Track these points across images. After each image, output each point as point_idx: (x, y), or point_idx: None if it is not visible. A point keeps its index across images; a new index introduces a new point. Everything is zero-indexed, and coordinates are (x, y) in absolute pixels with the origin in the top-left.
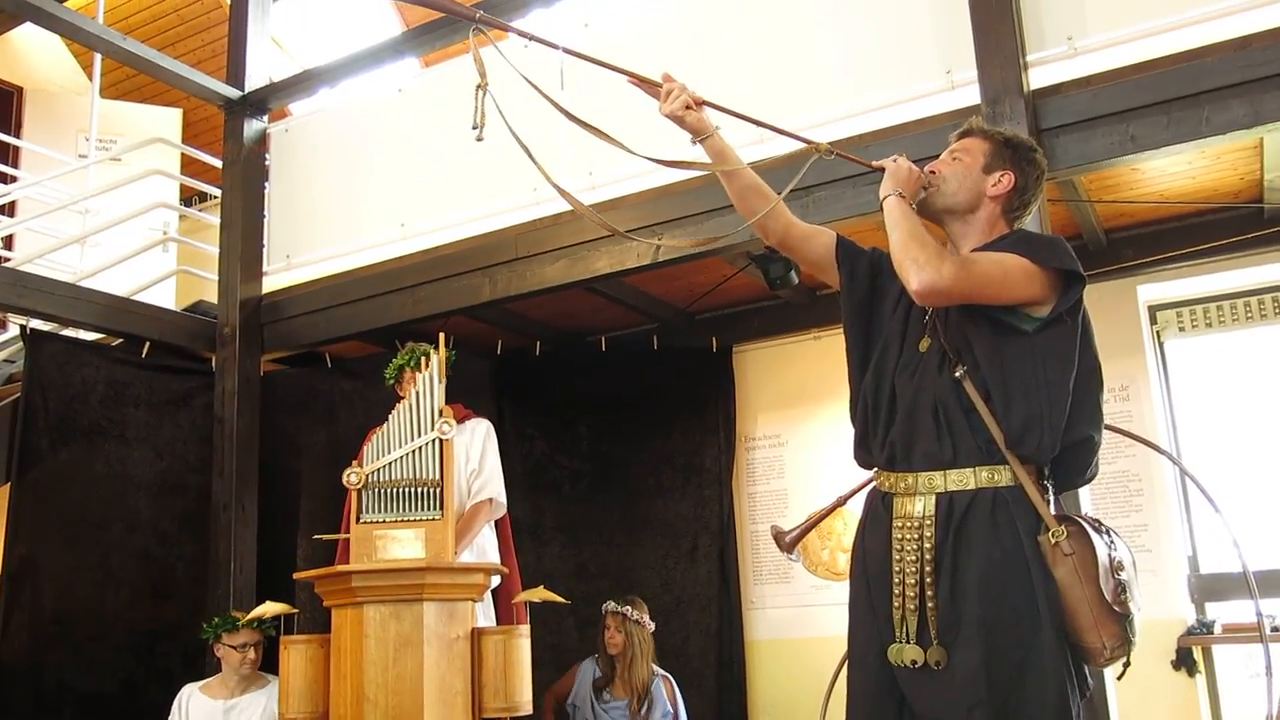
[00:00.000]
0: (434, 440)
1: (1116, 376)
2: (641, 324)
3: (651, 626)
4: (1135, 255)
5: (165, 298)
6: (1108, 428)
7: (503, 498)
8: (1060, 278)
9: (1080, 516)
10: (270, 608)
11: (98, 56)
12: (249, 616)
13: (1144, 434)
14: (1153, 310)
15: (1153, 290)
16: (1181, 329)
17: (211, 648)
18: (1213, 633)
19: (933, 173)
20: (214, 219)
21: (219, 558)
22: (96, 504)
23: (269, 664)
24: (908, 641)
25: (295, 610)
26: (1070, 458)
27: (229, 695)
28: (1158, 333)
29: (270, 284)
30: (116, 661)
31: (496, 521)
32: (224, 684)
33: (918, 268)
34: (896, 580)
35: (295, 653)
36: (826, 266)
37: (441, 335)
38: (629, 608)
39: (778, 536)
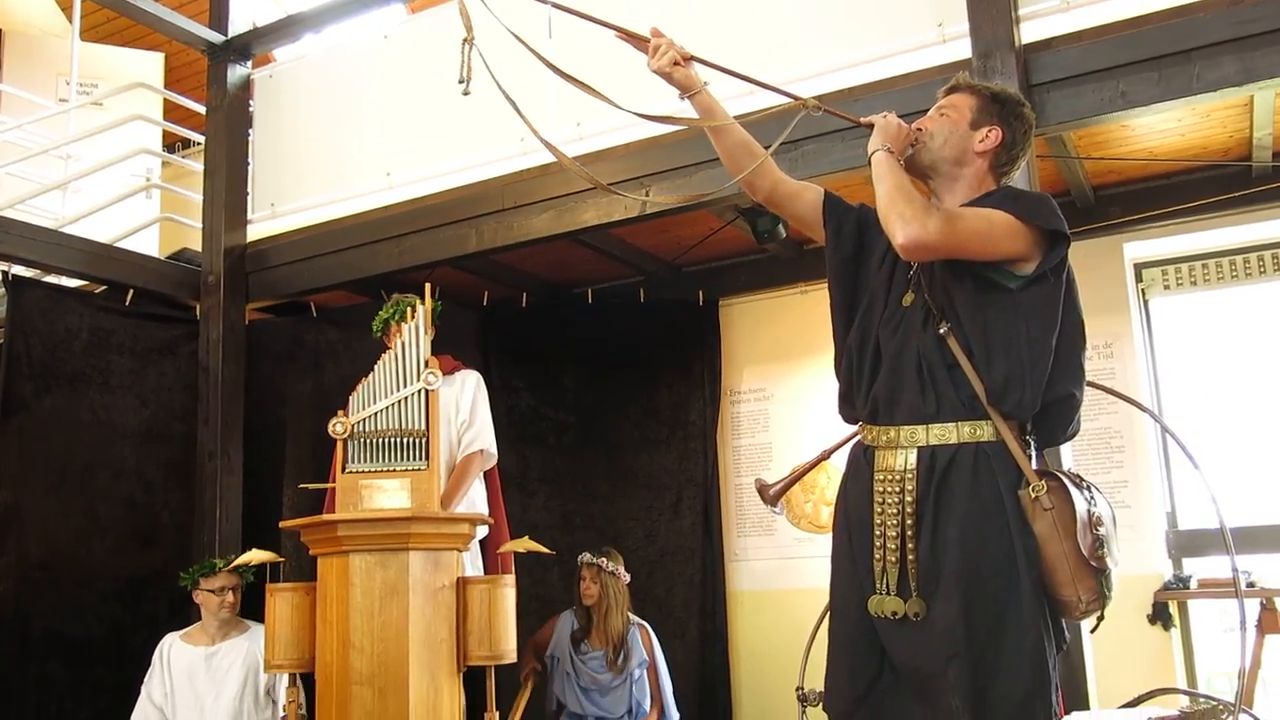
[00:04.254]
0: (420, 391)
1: (1100, 334)
2: (628, 276)
3: (626, 577)
4: (1122, 212)
5: (149, 245)
6: (1090, 385)
7: (494, 449)
8: (1046, 236)
9: (1061, 472)
10: (256, 555)
11: None
12: (235, 563)
13: (1126, 391)
14: (1138, 268)
15: (1139, 248)
16: (1166, 287)
17: (191, 594)
18: (1189, 588)
19: (920, 129)
20: (198, 166)
21: (205, 506)
22: (82, 451)
23: (252, 611)
24: (888, 593)
25: (281, 558)
26: (1052, 414)
27: (210, 642)
28: (1143, 290)
29: (255, 232)
30: (103, 607)
31: (485, 472)
32: (204, 631)
33: (904, 222)
34: (878, 533)
35: (281, 600)
36: (813, 222)
37: (428, 286)
38: (604, 559)
39: (762, 489)
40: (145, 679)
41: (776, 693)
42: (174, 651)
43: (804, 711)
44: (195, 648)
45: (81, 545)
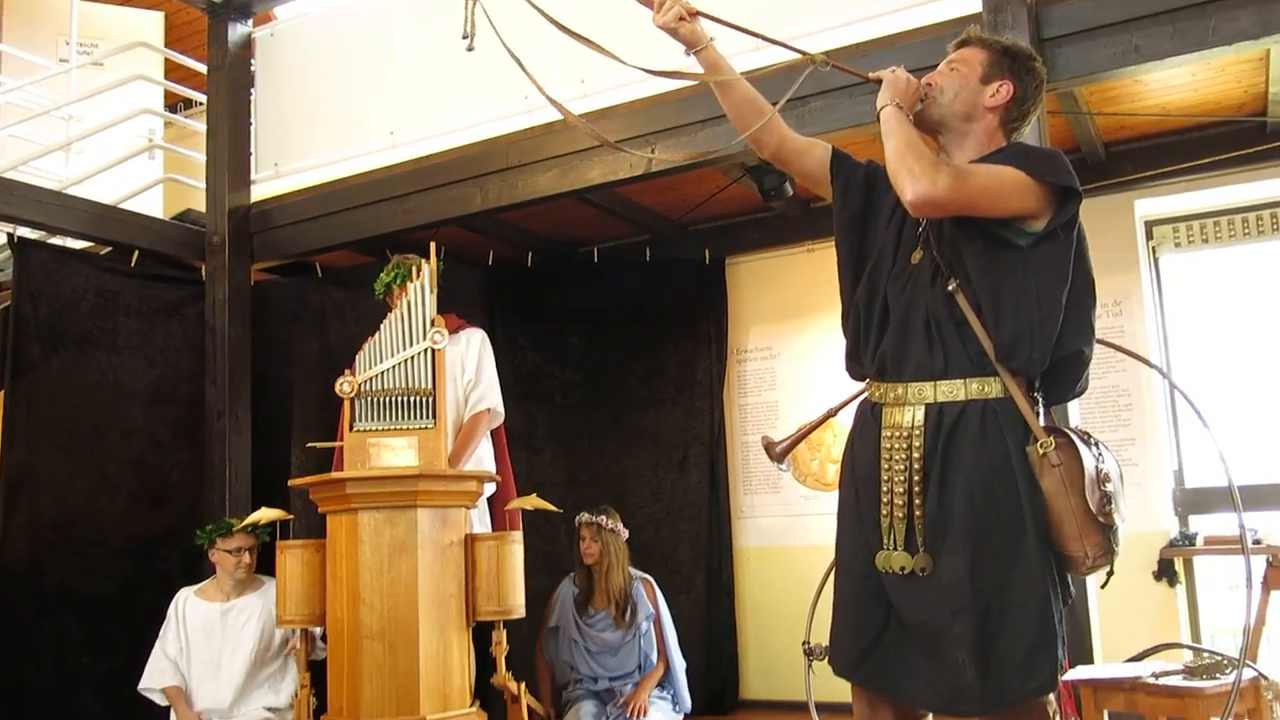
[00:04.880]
0: (426, 350)
1: (1110, 291)
2: (634, 235)
3: (625, 534)
4: (1134, 169)
5: (153, 206)
6: (1099, 342)
7: (500, 407)
8: (1057, 192)
9: (1069, 429)
10: (266, 514)
11: None
12: (245, 522)
13: (1135, 349)
14: (1149, 225)
15: (1150, 205)
16: (1177, 244)
17: (206, 553)
18: (1195, 545)
19: (929, 84)
20: (200, 126)
21: (214, 465)
22: (91, 412)
23: (264, 567)
24: (895, 549)
25: (290, 516)
26: (1060, 371)
27: (225, 598)
28: (1153, 248)
29: (259, 193)
30: (116, 565)
31: (492, 430)
32: (219, 587)
33: (913, 178)
34: (885, 489)
35: (291, 557)
36: (821, 180)
37: (433, 245)
38: (602, 517)
39: (768, 447)
40: (160, 633)
41: (782, 648)
42: (189, 606)
43: (810, 665)
44: (210, 603)
45: (93, 504)
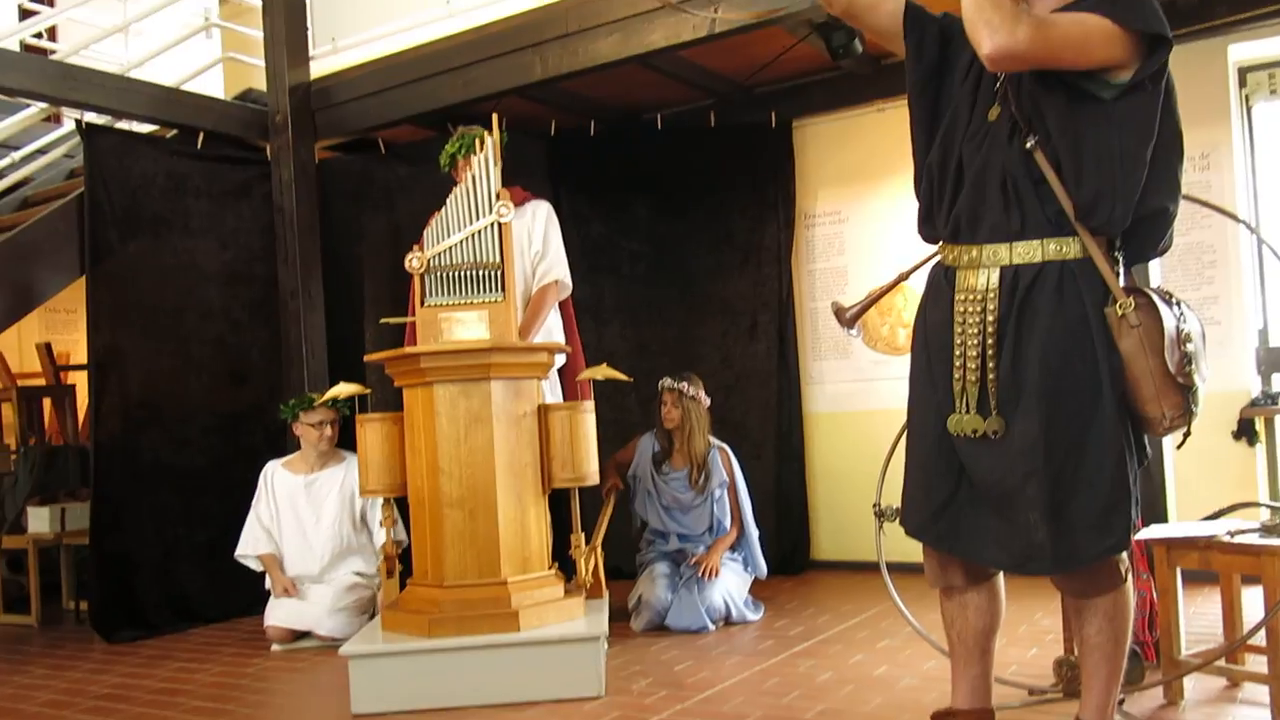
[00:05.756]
0: (493, 223)
1: (1197, 144)
2: (698, 100)
3: (707, 401)
4: (1228, 11)
5: (214, 87)
6: (1185, 198)
7: (568, 279)
8: (1145, 40)
9: (1149, 289)
10: (345, 388)
11: None
12: (324, 397)
13: (1223, 204)
14: (1243, 72)
15: (1245, 50)
16: (1273, 91)
17: (290, 427)
18: (1277, 404)
19: None
20: (256, 2)
21: (290, 343)
22: (169, 294)
23: (344, 442)
24: (967, 412)
25: (368, 391)
26: (1143, 229)
27: (309, 470)
28: (1246, 96)
29: (318, 69)
30: (204, 441)
31: (560, 303)
32: (304, 460)
33: (990, 30)
34: (958, 353)
35: (371, 430)
36: (893, 35)
37: (495, 117)
38: (685, 384)
39: (838, 312)
40: (253, 502)
41: (852, 510)
42: (277, 478)
43: (881, 527)
44: (295, 475)
45: (178, 384)
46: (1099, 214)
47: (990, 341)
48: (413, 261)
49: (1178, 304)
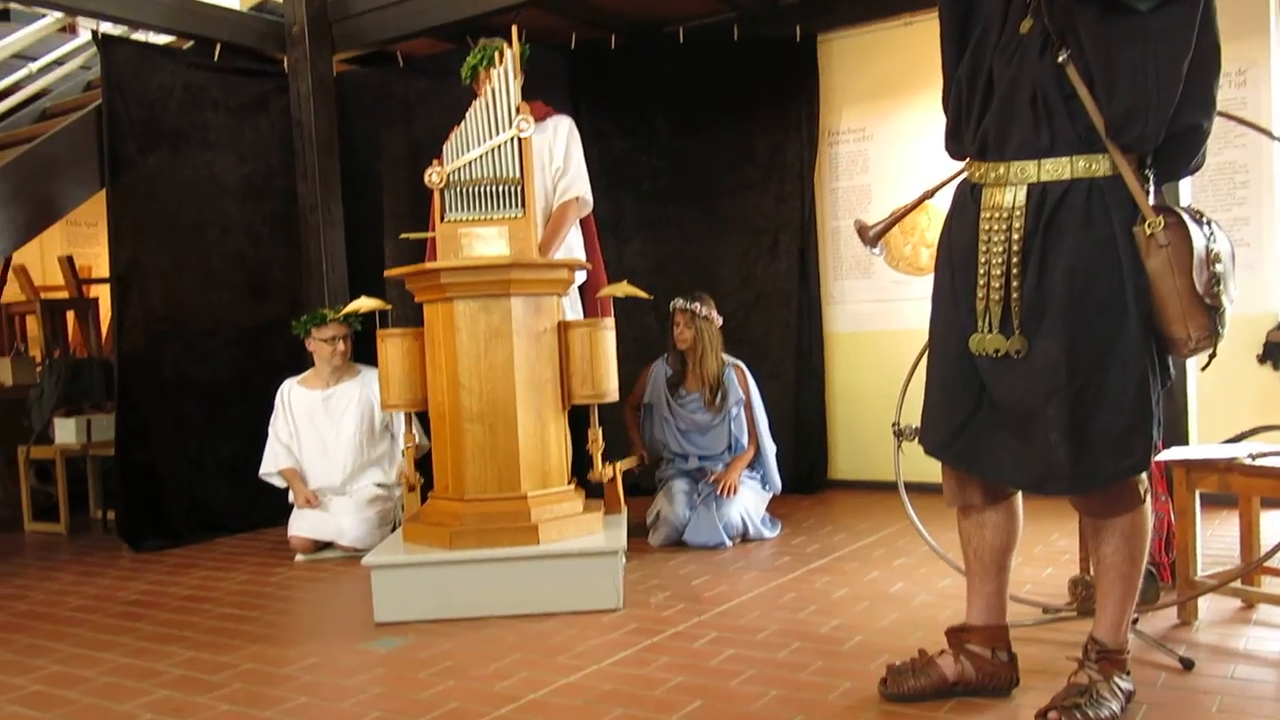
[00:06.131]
0: (512, 138)
1: (1234, 60)
2: (721, 13)
3: (719, 320)
4: None
5: None
6: (1219, 114)
7: (589, 195)
8: None
9: (1180, 208)
10: (365, 303)
11: None
12: (344, 311)
13: (1258, 122)
14: None
15: None
16: None
17: (304, 343)
18: None
19: None
20: None
21: (310, 258)
22: (189, 208)
23: (361, 356)
24: (989, 331)
25: (388, 306)
26: (1176, 147)
27: (324, 386)
28: None
29: None
30: (226, 355)
31: (580, 219)
32: (319, 376)
33: None
34: (982, 271)
35: (392, 345)
36: None
37: (514, 29)
38: (697, 304)
39: (861, 230)
40: (271, 420)
41: (871, 429)
42: (294, 395)
43: (899, 446)
44: (312, 391)
45: (200, 298)
46: (1131, 130)
47: (1015, 260)
48: (432, 176)
49: (1208, 223)
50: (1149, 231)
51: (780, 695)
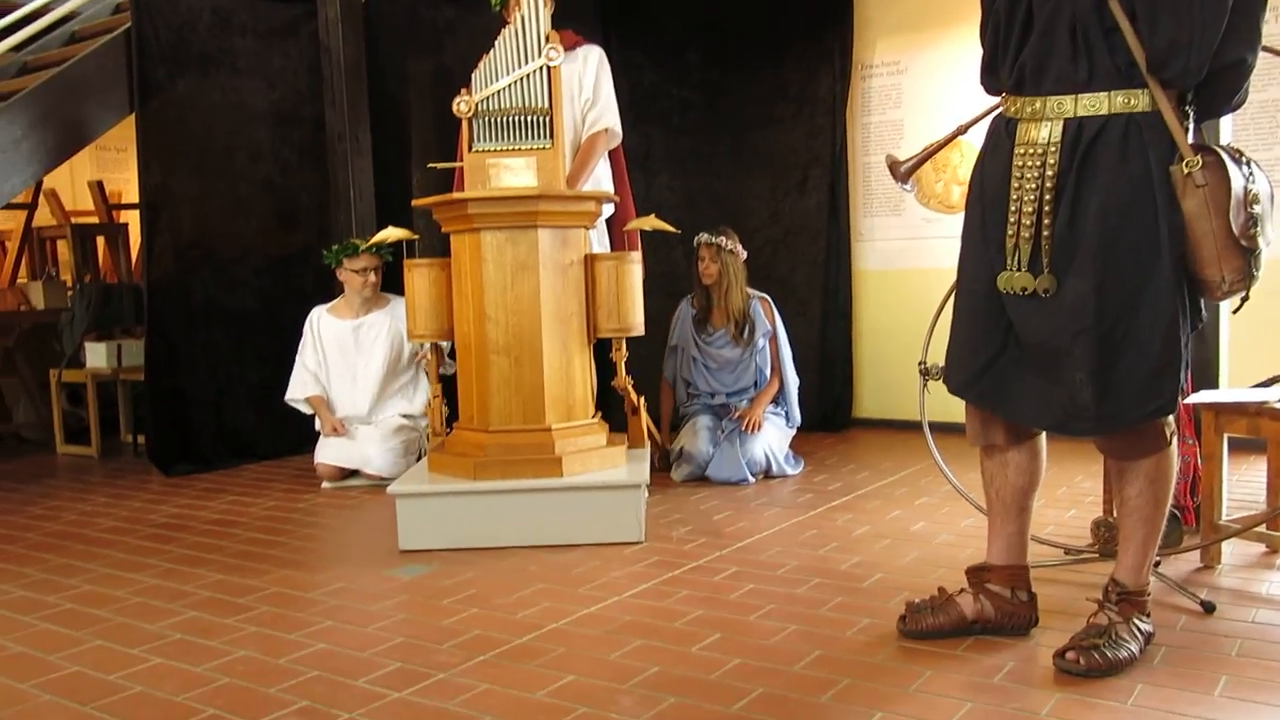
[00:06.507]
0: (542, 67)
1: None
2: None
3: (744, 254)
4: None
5: None
6: (1264, 49)
7: (618, 127)
8: None
9: (1219, 146)
10: (392, 233)
11: None
12: (371, 241)
13: None
14: None
15: None
16: None
17: (334, 272)
18: None
19: None
20: None
21: (338, 187)
22: (219, 134)
23: (389, 286)
24: (1019, 269)
25: (415, 236)
26: (1217, 82)
27: (354, 315)
28: None
29: None
30: (255, 282)
31: (610, 151)
32: (349, 305)
33: None
34: (1013, 208)
35: (419, 275)
36: None
37: None
38: (721, 238)
39: (893, 166)
40: (299, 348)
41: (897, 367)
42: (323, 324)
43: (925, 385)
44: (342, 320)
45: (229, 224)
46: (1173, 65)
47: (1048, 197)
48: (460, 105)
49: (1247, 163)
50: (1186, 171)
51: (799, 630)
